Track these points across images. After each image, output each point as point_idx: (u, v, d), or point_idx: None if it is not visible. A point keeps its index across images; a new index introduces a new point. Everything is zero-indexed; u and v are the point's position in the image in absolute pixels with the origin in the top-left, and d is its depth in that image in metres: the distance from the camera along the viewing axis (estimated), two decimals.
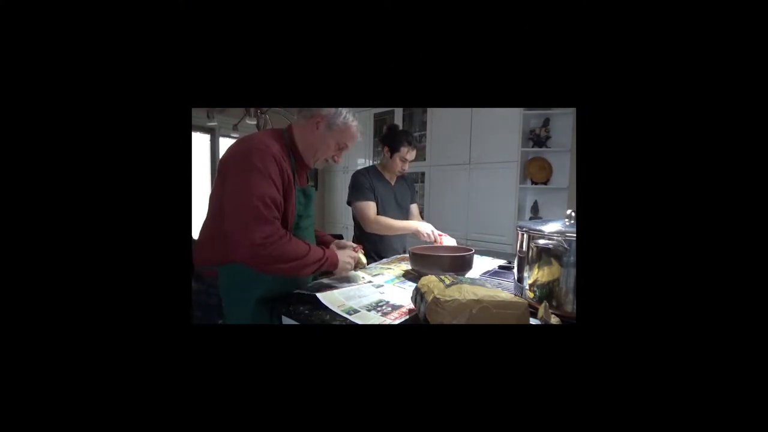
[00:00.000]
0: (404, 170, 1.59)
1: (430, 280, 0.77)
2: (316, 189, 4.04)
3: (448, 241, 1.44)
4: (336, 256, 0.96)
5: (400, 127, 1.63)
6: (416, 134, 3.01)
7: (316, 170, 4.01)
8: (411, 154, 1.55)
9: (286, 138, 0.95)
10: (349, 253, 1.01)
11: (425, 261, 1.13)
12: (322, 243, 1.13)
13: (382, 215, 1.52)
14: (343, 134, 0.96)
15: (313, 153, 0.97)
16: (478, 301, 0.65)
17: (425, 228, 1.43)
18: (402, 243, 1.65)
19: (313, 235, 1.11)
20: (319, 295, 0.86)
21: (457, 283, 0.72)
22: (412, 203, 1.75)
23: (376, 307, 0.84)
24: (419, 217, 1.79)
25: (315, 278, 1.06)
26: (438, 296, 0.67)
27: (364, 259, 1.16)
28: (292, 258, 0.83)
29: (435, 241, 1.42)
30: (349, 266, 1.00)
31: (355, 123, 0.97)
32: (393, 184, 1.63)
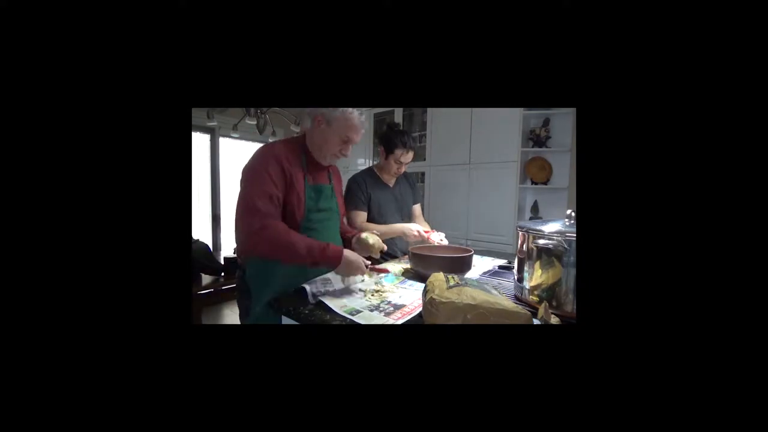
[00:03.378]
0: (399, 172, 1.54)
1: (438, 278, 0.75)
2: None
3: (436, 237, 1.42)
4: (340, 252, 0.90)
5: (401, 127, 1.59)
6: (416, 134, 3.01)
7: None
8: (406, 157, 1.47)
9: (300, 142, 1.06)
10: (359, 262, 0.93)
11: (424, 261, 1.13)
12: (345, 240, 1.17)
13: (380, 221, 1.50)
14: (344, 128, 0.99)
15: (320, 151, 1.03)
16: (474, 307, 0.63)
17: (411, 230, 1.41)
18: (403, 243, 1.64)
19: (335, 231, 1.14)
20: (324, 299, 0.86)
21: (460, 285, 0.70)
22: (415, 203, 1.71)
23: (378, 307, 0.85)
24: (422, 218, 1.76)
25: (321, 272, 1.06)
26: (435, 297, 0.66)
27: (373, 241, 1.09)
28: (280, 245, 0.88)
29: (424, 239, 1.41)
30: (354, 269, 0.92)
31: (354, 114, 0.98)
32: (392, 186, 1.60)
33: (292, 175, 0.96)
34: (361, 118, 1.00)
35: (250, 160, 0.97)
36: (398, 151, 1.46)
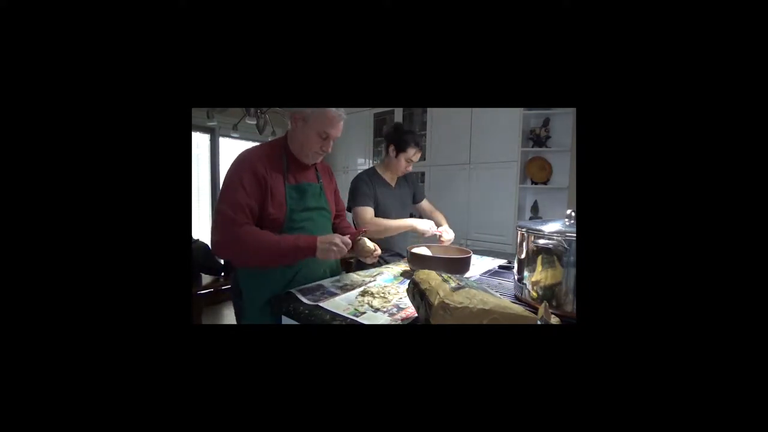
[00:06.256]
0: (407, 171, 1.58)
1: (431, 277, 0.75)
2: None
3: (447, 233, 1.44)
4: (314, 240, 0.93)
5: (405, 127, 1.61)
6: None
7: None
8: (417, 156, 1.53)
9: (281, 144, 1.06)
10: (331, 239, 0.94)
11: (423, 262, 1.13)
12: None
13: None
14: (322, 124, 0.97)
15: (301, 150, 1.03)
16: (488, 312, 0.63)
17: (423, 225, 1.41)
18: (404, 242, 1.64)
19: (326, 229, 1.12)
20: (322, 304, 0.86)
21: (464, 287, 0.69)
22: (419, 201, 1.73)
23: (381, 307, 0.85)
24: (436, 211, 1.75)
25: (313, 278, 1.07)
26: (447, 301, 0.64)
27: (370, 244, 1.12)
28: (257, 249, 0.91)
29: (435, 235, 1.42)
30: (333, 249, 0.93)
31: (331, 109, 0.97)
32: (393, 186, 1.61)
33: (268, 179, 0.96)
34: (338, 112, 0.98)
35: (228, 169, 0.97)
36: (411, 150, 1.50)
